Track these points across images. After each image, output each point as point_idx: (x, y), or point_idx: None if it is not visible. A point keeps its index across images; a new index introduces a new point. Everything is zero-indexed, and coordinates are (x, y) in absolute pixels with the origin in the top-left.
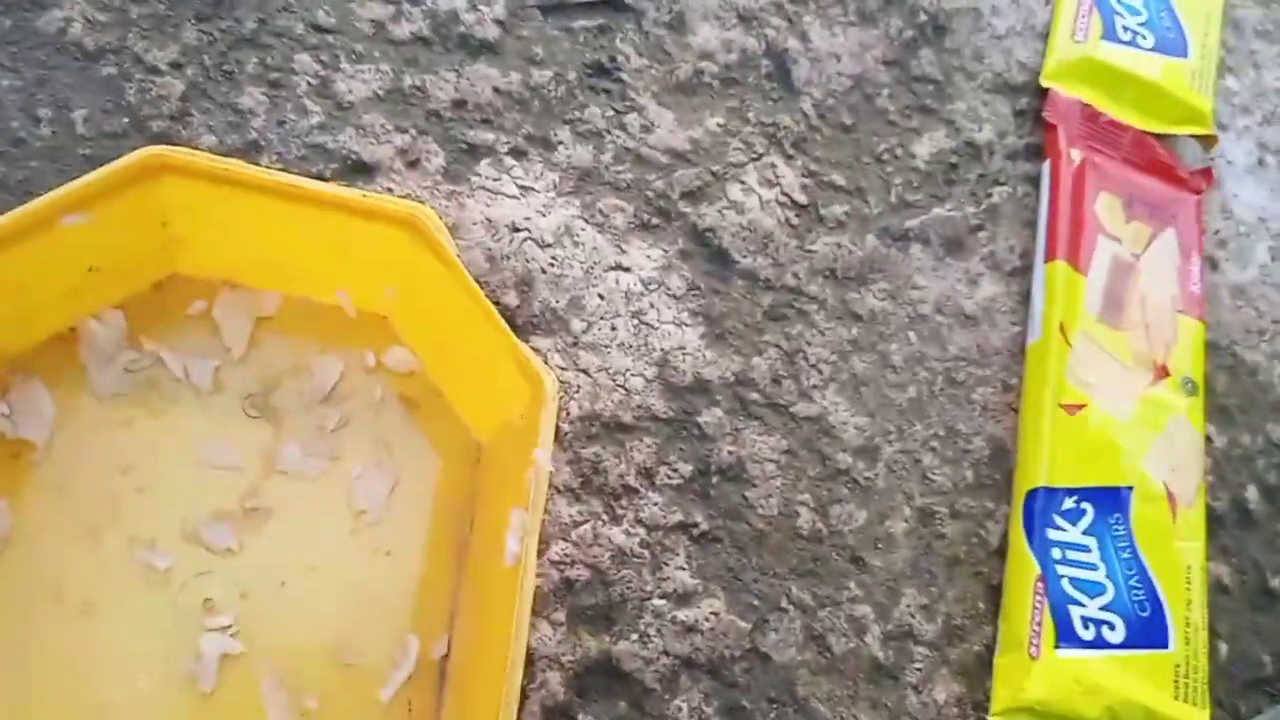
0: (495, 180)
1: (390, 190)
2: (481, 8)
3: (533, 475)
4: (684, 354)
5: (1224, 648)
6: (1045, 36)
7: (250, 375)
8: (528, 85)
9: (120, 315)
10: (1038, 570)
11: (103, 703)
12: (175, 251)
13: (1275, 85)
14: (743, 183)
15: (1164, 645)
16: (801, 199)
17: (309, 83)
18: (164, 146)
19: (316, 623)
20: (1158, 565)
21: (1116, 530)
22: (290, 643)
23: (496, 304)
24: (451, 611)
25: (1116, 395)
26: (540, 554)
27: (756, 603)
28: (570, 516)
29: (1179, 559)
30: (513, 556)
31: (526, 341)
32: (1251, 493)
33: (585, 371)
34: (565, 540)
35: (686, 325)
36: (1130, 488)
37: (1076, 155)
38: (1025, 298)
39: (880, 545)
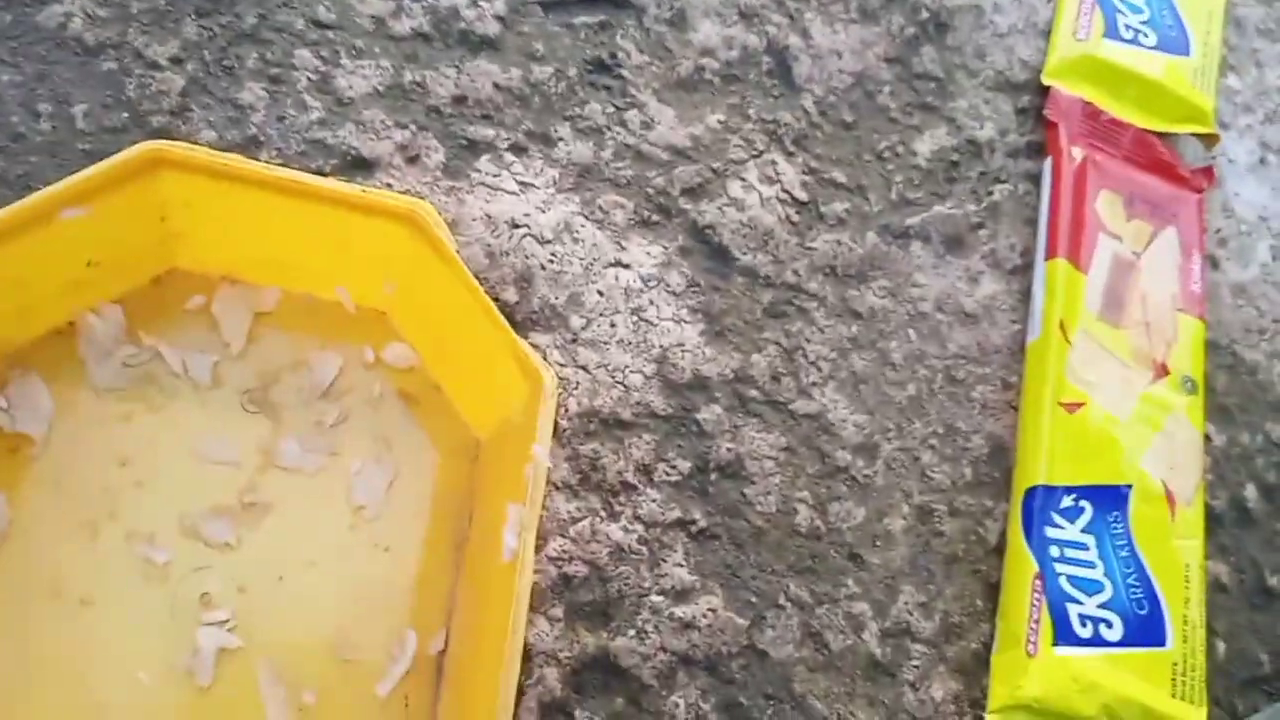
0: (495, 176)
1: (390, 186)
2: (482, 4)
3: (530, 471)
4: (683, 351)
5: (1222, 646)
6: (1047, 34)
7: (249, 370)
8: (528, 81)
9: (119, 310)
10: (1036, 568)
11: (101, 697)
12: (174, 246)
13: (1277, 84)
14: (743, 180)
15: (1161, 643)
16: (802, 196)
17: (309, 78)
18: (163, 141)
19: (314, 618)
20: (1156, 564)
21: (1115, 529)
22: (288, 638)
23: (496, 300)
24: (449, 607)
25: (1116, 394)
26: (538, 550)
27: (754, 599)
28: (569, 513)
29: (1177, 557)
30: (510, 552)
31: (526, 338)
32: (1250, 491)
33: (584, 368)
34: (563, 537)
35: (686, 322)
36: (1129, 486)
37: (1078, 153)
38: (1025, 296)
39: (879, 543)
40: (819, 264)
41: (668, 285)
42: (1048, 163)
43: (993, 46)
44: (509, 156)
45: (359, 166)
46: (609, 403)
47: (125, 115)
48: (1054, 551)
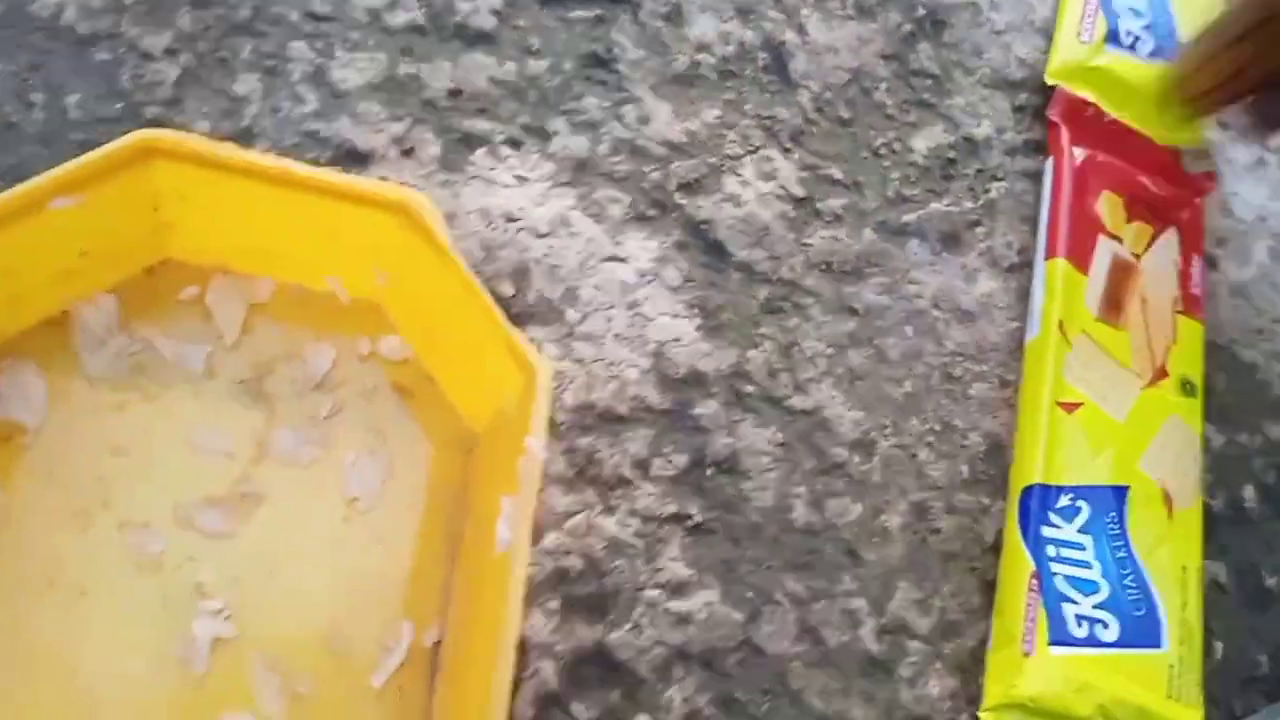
0: (491, 170)
1: (385, 179)
2: None
3: (524, 463)
4: (680, 346)
5: (1219, 647)
6: (1045, 33)
7: (243, 361)
8: (524, 75)
9: (112, 299)
10: (1032, 567)
11: (95, 686)
12: (167, 236)
13: None
14: (739, 175)
15: (1157, 645)
16: (798, 192)
17: (304, 70)
18: (155, 130)
19: (309, 609)
20: (1153, 565)
21: (1112, 529)
22: (282, 628)
23: (492, 294)
24: (444, 599)
25: (1114, 394)
26: (534, 543)
27: (750, 595)
28: (564, 506)
29: (1174, 559)
30: (504, 544)
31: (522, 331)
32: (1249, 492)
33: (580, 362)
34: (559, 530)
35: (682, 317)
36: (1127, 487)
37: (1079, 153)
38: (1023, 294)
39: (875, 539)
40: (815, 260)
41: (664, 280)
42: (1049, 162)
43: (990, 44)
44: (505, 150)
45: (354, 159)
46: (605, 397)
47: (119, 106)
48: (1051, 551)
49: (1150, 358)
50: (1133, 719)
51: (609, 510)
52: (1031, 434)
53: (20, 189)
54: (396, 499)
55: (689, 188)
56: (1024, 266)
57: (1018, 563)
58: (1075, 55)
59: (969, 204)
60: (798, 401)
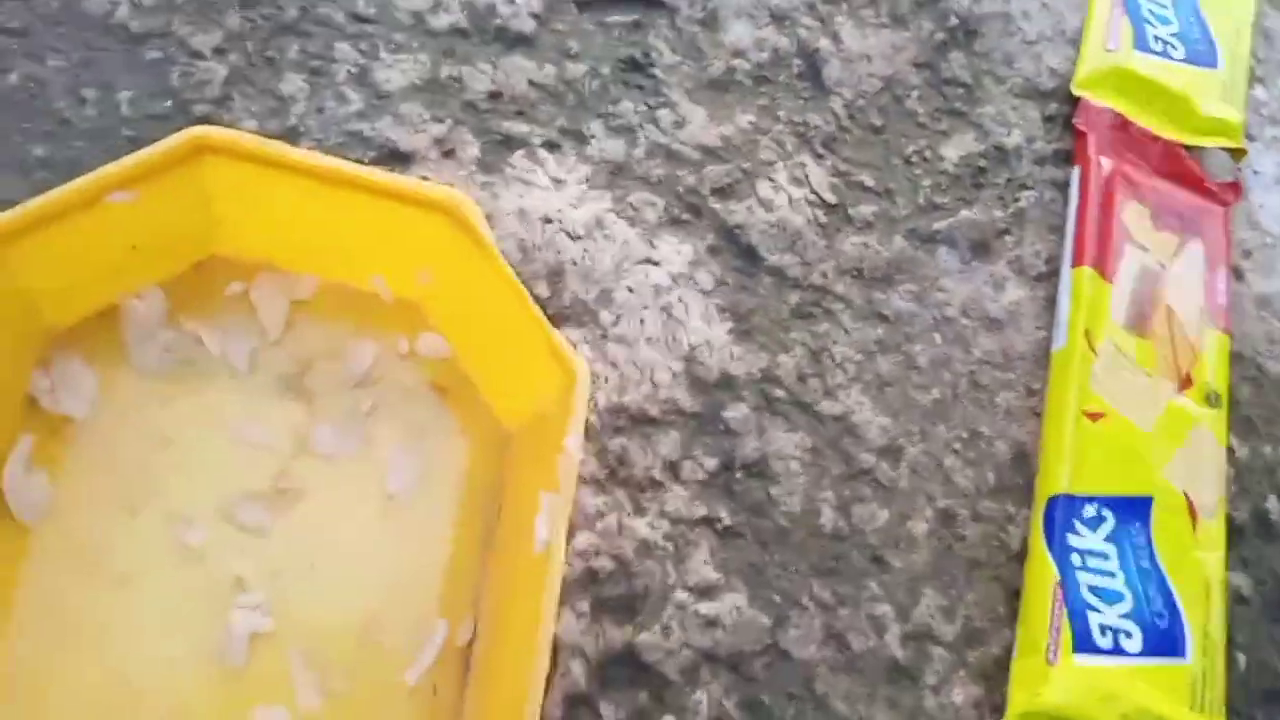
0: (529, 172)
1: (426, 179)
2: (518, 1)
3: (563, 462)
4: (711, 349)
5: (1242, 658)
6: (1075, 43)
7: (285, 357)
8: (562, 79)
9: (161, 294)
10: (1057, 575)
11: (133, 673)
12: (216, 233)
13: None
14: (772, 181)
15: (1181, 655)
16: (830, 198)
17: (349, 71)
18: (208, 127)
19: (345, 604)
20: (1177, 575)
21: (1136, 539)
22: (319, 623)
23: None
24: (477, 597)
25: (1140, 404)
26: (566, 543)
27: (778, 599)
28: (596, 507)
29: (1198, 570)
30: (541, 543)
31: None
32: (1273, 503)
33: (613, 364)
34: (590, 531)
35: (714, 321)
36: (1151, 497)
37: (1106, 163)
38: (1050, 303)
39: (901, 545)
40: (846, 266)
41: (697, 284)
42: (1076, 172)
43: (1021, 54)
44: (543, 153)
45: (396, 159)
46: (637, 399)
47: (169, 103)
48: (1075, 560)
49: (1176, 368)
50: None
51: (639, 512)
52: (1057, 443)
53: (78, 183)
54: (433, 496)
55: (722, 192)
56: (1052, 275)
57: (1042, 571)
58: (1101, 64)
59: (998, 213)
60: (827, 407)
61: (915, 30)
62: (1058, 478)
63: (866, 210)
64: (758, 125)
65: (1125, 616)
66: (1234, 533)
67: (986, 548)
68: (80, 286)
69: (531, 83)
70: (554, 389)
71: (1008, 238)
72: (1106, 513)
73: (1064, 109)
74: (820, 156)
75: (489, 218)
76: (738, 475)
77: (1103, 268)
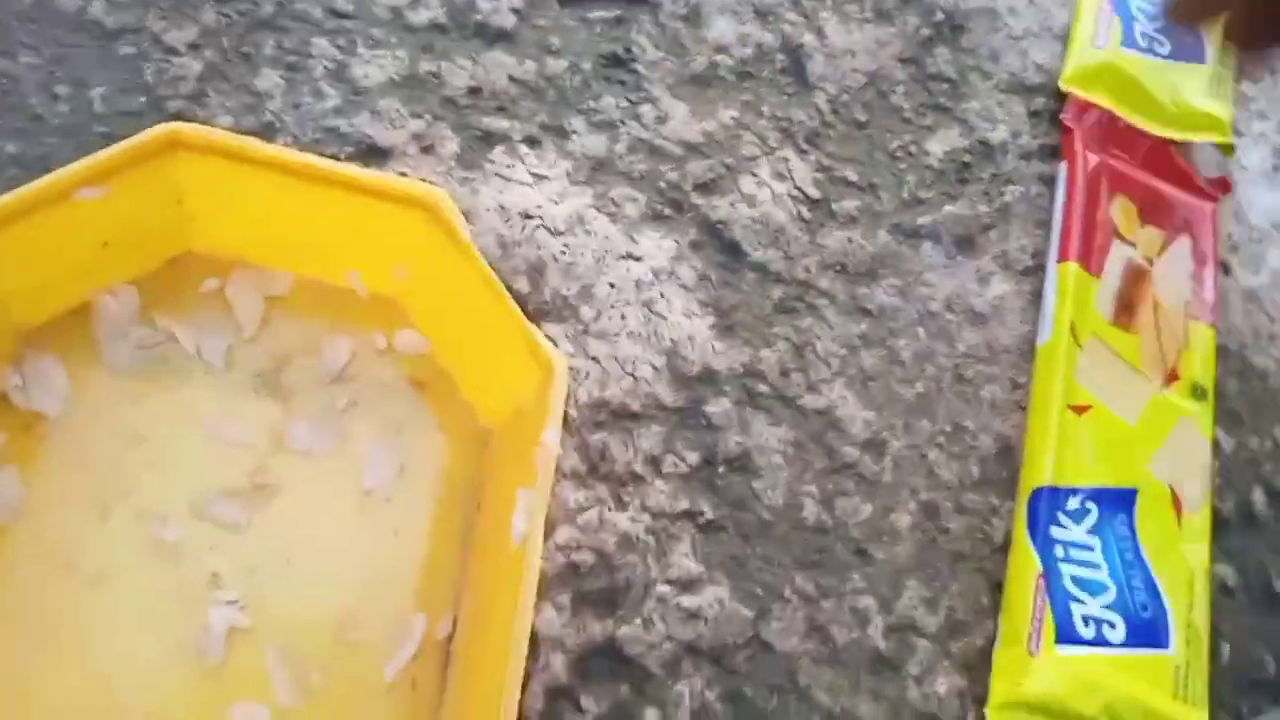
0: (509, 167)
1: (404, 175)
2: None
3: (540, 456)
4: (693, 344)
5: (1226, 649)
6: (1062, 39)
7: (261, 354)
8: (543, 74)
9: (134, 291)
10: (1040, 566)
11: (109, 672)
12: (189, 229)
13: None
14: (755, 176)
15: (1165, 646)
16: (814, 193)
17: (325, 66)
18: (181, 123)
19: (323, 600)
20: (1161, 567)
21: (1120, 531)
22: (296, 619)
23: (508, 290)
24: (457, 592)
25: (1125, 398)
26: (546, 538)
27: (760, 592)
28: (577, 502)
29: (1183, 561)
30: (519, 537)
31: (538, 328)
32: (1258, 496)
33: (595, 359)
34: (571, 525)
35: (696, 316)
36: (1136, 490)
37: (1093, 159)
38: (1035, 297)
39: (885, 538)
40: (830, 261)
41: (679, 279)
42: (1062, 167)
43: (1007, 49)
44: (523, 148)
45: (374, 155)
46: (619, 394)
47: (142, 99)
48: (1059, 551)
49: (1162, 362)
50: (1138, 719)
51: (621, 506)
52: (1042, 436)
53: (48, 179)
54: (411, 492)
55: (705, 187)
56: (1037, 270)
57: (1025, 562)
58: (1089, 60)
59: (983, 207)
60: (810, 401)
61: (900, 25)
62: (1042, 470)
63: (850, 205)
64: (740, 120)
65: (1109, 607)
66: (1219, 525)
67: (970, 540)
68: (52, 283)
69: (512, 78)
70: (532, 385)
71: (993, 233)
72: (1091, 505)
73: (1051, 104)
74: (804, 152)
75: (468, 214)
76: (720, 469)
77: (1088, 263)
